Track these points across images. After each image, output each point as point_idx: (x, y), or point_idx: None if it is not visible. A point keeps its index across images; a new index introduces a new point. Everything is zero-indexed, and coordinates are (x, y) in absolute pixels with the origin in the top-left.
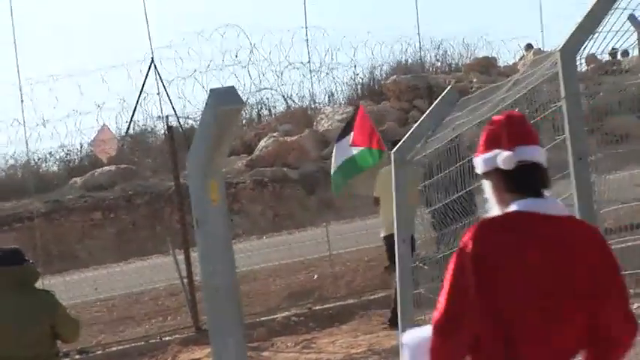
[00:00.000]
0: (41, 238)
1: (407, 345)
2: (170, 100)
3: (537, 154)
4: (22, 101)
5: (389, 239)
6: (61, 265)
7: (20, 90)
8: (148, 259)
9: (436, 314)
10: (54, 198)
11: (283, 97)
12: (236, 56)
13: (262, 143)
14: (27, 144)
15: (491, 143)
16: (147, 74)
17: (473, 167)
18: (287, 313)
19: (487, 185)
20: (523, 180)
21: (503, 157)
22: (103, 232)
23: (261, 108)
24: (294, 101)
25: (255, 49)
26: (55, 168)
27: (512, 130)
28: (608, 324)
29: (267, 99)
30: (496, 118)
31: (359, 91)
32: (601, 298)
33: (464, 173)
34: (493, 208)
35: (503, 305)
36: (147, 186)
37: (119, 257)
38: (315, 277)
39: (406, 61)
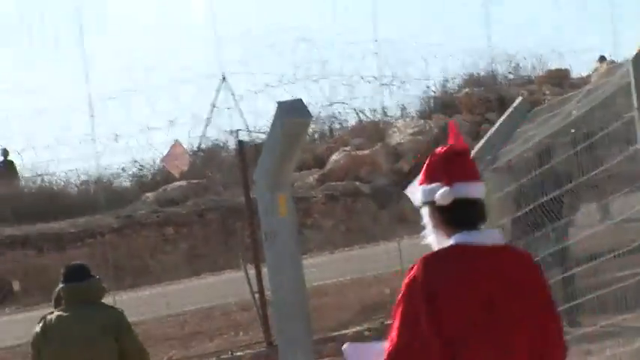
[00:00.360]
0: (113, 253)
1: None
2: (242, 115)
3: (475, 190)
4: (92, 117)
5: None
6: (133, 280)
7: (90, 106)
8: (220, 274)
9: (388, 348)
10: (126, 213)
11: (355, 110)
12: (308, 70)
13: (334, 157)
14: (97, 160)
15: (432, 175)
16: (218, 89)
17: (565, 176)
18: (359, 327)
19: (425, 213)
20: (459, 216)
21: (440, 194)
22: (175, 247)
23: (333, 122)
24: (365, 115)
25: (327, 62)
26: (128, 183)
27: (451, 166)
28: (548, 347)
29: (339, 113)
30: (439, 149)
31: (431, 104)
32: (543, 321)
33: (554, 182)
34: (429, 235)
35: (452, 335)
36: (219, 201)
37: (191, 272)
38: (388, 291)
39: (478, 73)
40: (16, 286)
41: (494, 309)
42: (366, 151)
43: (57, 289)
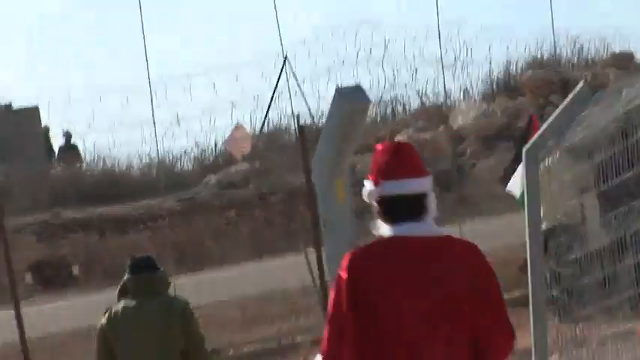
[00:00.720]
0: (175, 236)
1: None
2: (304, 98)
3: (405, 187)
4: (152, 99)
5: (547, 233)
6: (194, 263)
7: (151, 88)
8: (282, 257)
9: (321, 345)
10: (188, 196)
11: (417, 93)
12: (370, 52)
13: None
14: (157, 143)
15: (370, 172)
16: (280, 72)
17: None
18: None
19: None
20: (391, 211)
21: (366, 192)
22: (237, 231)
23: (396, 104)
24: (428, 98)
25: (389, 45)
26: (189, 166)
27: (381, 165)
28: (489, 334)
29: (402, 95)
30: (379, 146)
31: (494, 87)
32: (481, 308)
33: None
34: (380, 227)
35: (383, 327)
36: (281, 184)
37: (253, 255)
38: None
39: (542, 56)
40: (75, 270)
41: (425, 297)
42: (429, 134)
43: (123, 280)
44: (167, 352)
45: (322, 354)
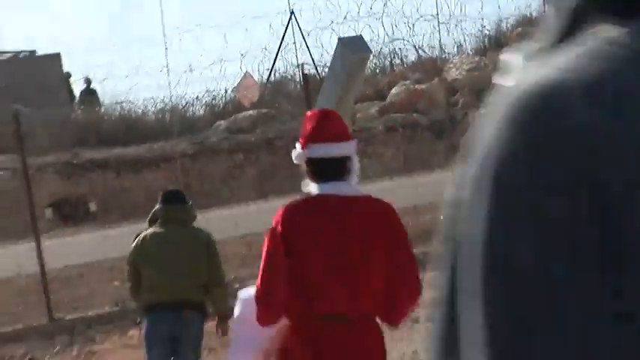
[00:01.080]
0: (186, 177)
1: (240, 299)
2: (308, 50)
3: (331, 150)
4: (166, 49)
5: None
6: (204, 202)
7: (165, 38)
8: (286, 197)
9: (256, 287)
10: (199, 140)
11: (414, 47)
12: (370, 8)
13: (394, 91)
14: (171, 90)
15: (300, 136)
16: (287, 25)
17: None
18: (415, 251)
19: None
20: (316, 172)
21: (295, 155)
22: (244, 173)
23: (394, 57)
24: (424, 51)
25: (389, 1)
26: (201, 112)
27: (308, 129)
28: (398, 287)
29: (399, 49)
30: (308, 113)
31: (486, 42)
32: (392, 262)
33: None
34: (308, 185)
35: (306, 271)
36: (286, 130)
37: (260, 195)
38: (442, 218)
39: (530, 14)
40: (92, 207)
41: (342, 250)
42: (424, 86)
43: (154, 209)
44: (191, 276)
45: (257, 289)
